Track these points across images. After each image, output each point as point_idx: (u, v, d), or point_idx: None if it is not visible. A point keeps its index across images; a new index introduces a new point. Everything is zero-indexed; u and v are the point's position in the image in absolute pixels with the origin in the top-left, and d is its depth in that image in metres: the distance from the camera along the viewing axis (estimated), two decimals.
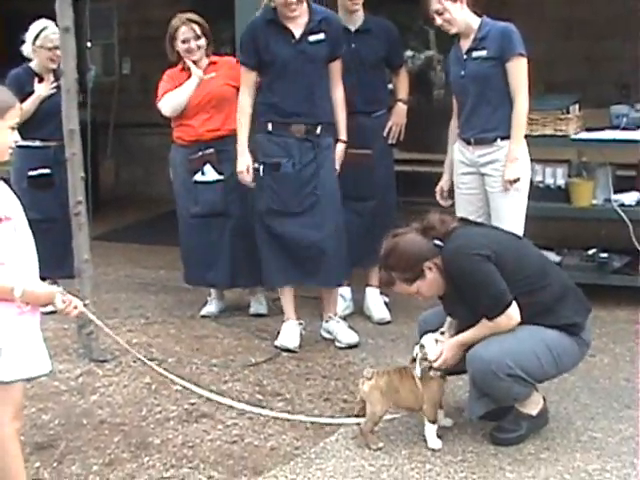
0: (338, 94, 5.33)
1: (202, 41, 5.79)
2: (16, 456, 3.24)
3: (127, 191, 10.91)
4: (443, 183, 5.31)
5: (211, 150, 5.76)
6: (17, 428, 3.25)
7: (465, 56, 4.99)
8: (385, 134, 5.79)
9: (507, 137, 4.90)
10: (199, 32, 5.78)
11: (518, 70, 4.89)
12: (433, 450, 3.89)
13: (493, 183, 4.96)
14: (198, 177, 5.80)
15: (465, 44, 5.00)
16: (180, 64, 5.88)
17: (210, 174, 5.78)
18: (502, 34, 4.90)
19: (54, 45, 6.02)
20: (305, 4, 5.17)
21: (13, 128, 3.23)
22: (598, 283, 5.68)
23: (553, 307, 3.87)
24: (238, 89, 5.54)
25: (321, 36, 5.21)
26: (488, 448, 3.92)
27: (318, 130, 5.22)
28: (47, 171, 6.16)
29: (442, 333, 4.01)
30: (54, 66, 6.12)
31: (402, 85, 5.92)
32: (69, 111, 4.93)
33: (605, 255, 5.99)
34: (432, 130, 6.09)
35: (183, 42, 5.78)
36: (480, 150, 4.98)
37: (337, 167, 5.33)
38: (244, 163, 5.25)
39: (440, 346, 3.95)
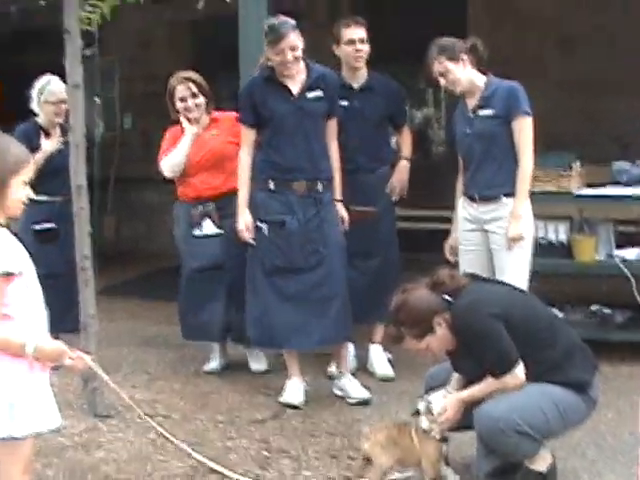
0: (333, 153, 5.36)
1: (200, 99, 5.81)
2: None
3: (128, 246, 10.93)
4: (451, 240, 5.34)
5: (211, 206, 5.80)
6: None
7: (471, 114, 5.05)
8: (388, 191, 5.83)
9: (511, 194, 4.95)
10: (196, 90, 5.80)
11: (524, 129, 4.95)
12: None
13: (497, 240, 4.99)
14: (197, 232, 5.84)
15: (471, 102, 5.07)
16: (181, 122, 5.91)
17: (209, 228, 5.82)
18: (508, 93, 4.97)
19: (58, 99, 6.12)
20: (302, 62, 5.23)
21: (26, 183, 3.27)
22: (602, 339, 5.69)
23: (561, 364, 3.88)
24: (239, 147, 5.54)
25: (319, 93, 5.26)
26: None
27: (319, 186, 5.25)
28: (52, 225, 6.21)
29: (447, 391, 4.02)
30: (60, 120, 6.21)
31: (405, 143, 5.98)
32: (77, 166, 4.98)
33: (608, 310, 6.05)
34: (430, 187, 6.14)
35: (181, 100, 5.81)
36: (484, 207, 5.02)
37: (344, 224, 5.37)
38: (244, 221, 5.27)
39: (444, 402, 3.96)
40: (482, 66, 5.10)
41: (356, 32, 5.60)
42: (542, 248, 6.02)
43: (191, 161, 5.81)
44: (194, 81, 5.82)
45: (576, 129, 8.59)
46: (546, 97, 8.60)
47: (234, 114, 5.78)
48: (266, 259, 5.27)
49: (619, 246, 5.99)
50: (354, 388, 5.36)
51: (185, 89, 5.80)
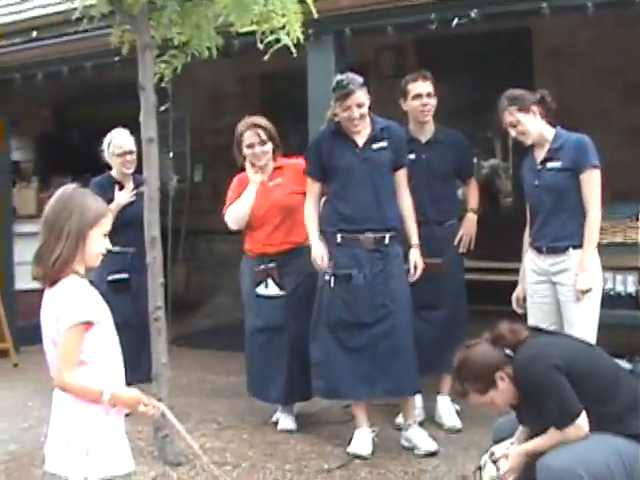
0: (406, 202, 5.42)
1: (268, 146, 5.73)
2: None
3: (197, 296, 11.07)
4: (519, 291, 5.35)
5: (273, 264, 5.75)
6: None
7: (540, 166, 5.10)
8: (456, 243, 5.87)
9: (579, 246, 4.97)
10: (264, 137, 5.71)
11: (592, 182, 4.98)
12: None
13: (565, 292, 5.00)
14: (260, 290, 5.80)
15: (540, 154, 5.12)
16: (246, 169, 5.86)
17: (271, 288, 5.77)
18: (576, 146, 5.02)
19: (124, 151, 6.31)
20: (368, 118, 5.33)
21: (105, 235, 3.41)
22: None
23: (624, 417, 3.85)
24: (304, 195, 5.56)
25: (384, 144, 5.35)
26: None
27: (387, 240, 5.29)
28: (125, 276, 6.34)
29: (512, 444, 4.03)
30: (129, 171, 6.39)
31: (472, 195, 6.04)
32: (151, 218, 5.11)
33: None
34: (497, 239, 6.17)
35: (248, 147, 5.73)
36: (552, 259, 5.04)
37: (417, 273, 5.37)
38: (318, 251, 5.29)
39: (506, 453, 3.98)
40: (550, 118, 5.15)
41: (423, 86, 5.68)
42: (610, 299, 6.01)
43: (255, 214, 5.76)
44: (263, 127, 5.73)
45: None
46: (611, 147, 8.63)
47: (300, 161, 5.73)
48: (331, 312, 5.33)
49: None
50: (421, 439, 5.37)
51: (254, 135, 5.71)
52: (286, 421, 5.92)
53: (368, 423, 5.44)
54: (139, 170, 6.37)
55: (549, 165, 5.07)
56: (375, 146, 5.34)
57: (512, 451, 3.97)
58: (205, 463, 4.51)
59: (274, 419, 6.02)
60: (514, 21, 7.23)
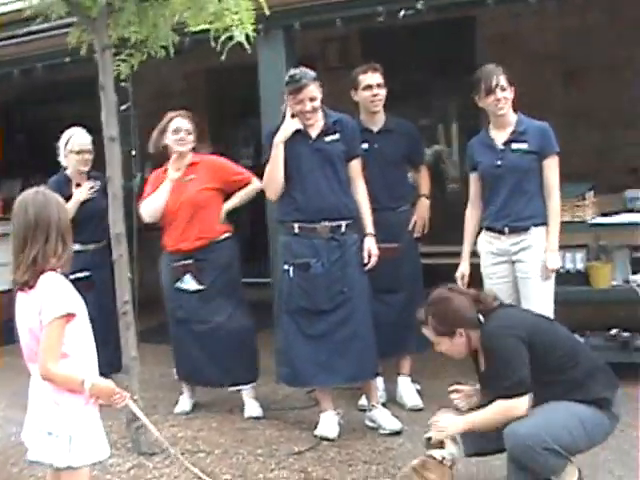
0: (361, 191, 5.54)
1: (191, 137, 5.98)
2: None
3: (151, 293, 11.07)
4: (464, 269, 5.51)
5: (190, 261, 5.96)
6: None
7: (503, 147, 5.30)
8: (410, 228, 6.04)
9: (540, 224, 5.22)
10: (191, 127, 5.98)
11: (554, 167, 5.28)
12: None
13: (525, 269, 5.22)
14: (180, 285, 6.03)
15: (501, 135, 5.34)
16: (164, 165, 6.07)
17: (190, 284, 5.99)
18: (542, 132, 5.29)
19: (81, 149, 6.39)
20: (320, 111, 5.45)
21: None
22: (621, 362, 5.83)
23: (584, 383, 4.09)
24: (217, 191, 5.95)
25: (336, 136, 5.47)
26: None
27: (343, 228, 5.42)
28: (87, 274, 6.37)
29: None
30: (85, 169, 6.46)
31: (424, 181, 6.22)
32: (115, 215, 5.19)
33: (627, 334, 6.18)
34: (445, 223, 6.32)
35: (175, 132, 5.96)
36: (513, 238, 5.25)
37: (372, 260, 5.48)
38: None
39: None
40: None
41: (373, 78, 5.83)
42: (560, 277, 6.19)
43: (169, 209, 5.96)
44: (190, 118, 6.02)
45: (586, 161, 8.80)
46: (555, 130, 8.86)
47: (214, 157, 6.08)
48: (291, 301, 5.47)
49: (635, 271, 6.14)
50: (386, 419, 5.54)
51: (183, 121, 5.97)
52: (252, 408, 6.09)
53: (333, 406, 5.60)
54: (94, 168, 6.50)
55: (514, 146, 5.28)
56: (327, 138, 5.46)
57: (456, 418, 4.23)
58: (175, 454, 4.65)
59: (176, 411, 6.15)
60: (459, 11, 7.40)
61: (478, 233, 5.53)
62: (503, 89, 5.27)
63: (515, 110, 5.38)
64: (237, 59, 5.00)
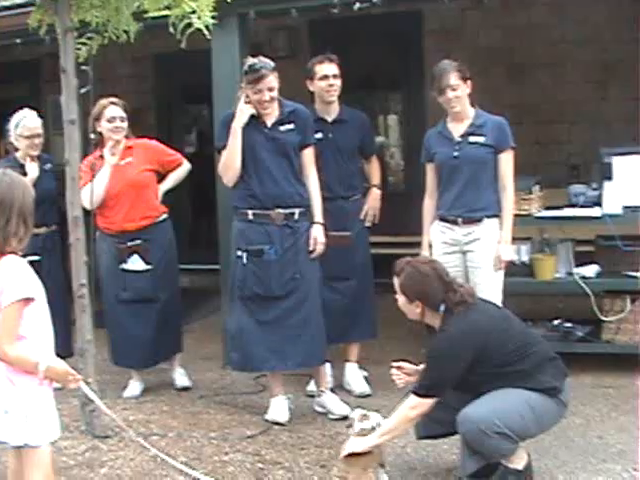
0: (312, 180, 5.60)
1: (125, 124, 6.11)
2: None
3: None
4: None
5: (138, 241, 6.10)
6: None
7: (460, 139, 5.42)
8: (362, 217, 6.13)
9: (492, 216, 5.35)
10: (124, 114, 6.12)
11: (510, 161, 5.45)
12: None
13: (476, 259, 5.36)
14: (126, 265, 6.11)
15: (458, 127, 5.47)
16: (98, 150, 6.15)
17: (138, 264, 6.12)
18: (499, 126, 5.44)
19: (32, 133, 6.34)
20: (276, 101, 5.51)
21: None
22: (564, 351, 5.98)
23: (533, 373, 4.23)
24: (155, 172, 6.19)
25: (291, 126, 5.53)
26: None
27: (296, 215, 5.49)
28: (36, 258, 6.32)
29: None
30: (35, 153, 6.41)
31: (375, 171, 6.31)
32: (73, 198, 5.20)
33: (569, 325, 6.37)
34: (389, 214, 6.42)
35: (109, 120, 6.07)
36: (466, 229, 5.38)
37: (318, 249, 5.54)
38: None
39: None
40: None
41: (329, 68, 5.90)
42: (505, 268, 6.37)
43: (110, 193, 6.05)
44: (122, 106, 6.15)
45: (530, 155, 8.98)
46: None
47: (147, 141, 6.26)
48: (245, 287, 5.51)
49: (578, 264, 6.32)
50: (335, 404, 5.64)
51: (116, 110, 6.09)
52: (183, 379, 6.38)
53: (283, 391, 5.68)
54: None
55: (472, 139, 5.41)
56: (282, 128, 5.52)
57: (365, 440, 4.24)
58: (131, 435, 4.70)
59: (125, 395, 6.24)
60: (408, 4, 7.51)
61: None
62: (453, 89, 5.37)
63: (473, 104, 5.49)
64: (186, 44, 5.02)
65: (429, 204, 5.66)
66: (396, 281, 4.37)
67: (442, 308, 4.25)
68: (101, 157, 6.11)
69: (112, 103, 6.10)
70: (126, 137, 6.19)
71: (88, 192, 5.92)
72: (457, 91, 5.37)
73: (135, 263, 6.13)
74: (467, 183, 5.41)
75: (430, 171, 5.66)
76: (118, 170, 6.07)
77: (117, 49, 5.50)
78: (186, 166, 6.42)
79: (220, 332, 6.60)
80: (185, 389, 6.31)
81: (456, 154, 5.44)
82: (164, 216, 6.29)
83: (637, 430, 4.99)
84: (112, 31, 5.07)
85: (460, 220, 5.42)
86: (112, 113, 6.07)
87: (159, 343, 6.22)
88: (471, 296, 4.34)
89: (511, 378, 4.18)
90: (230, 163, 5.47)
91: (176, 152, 6.53)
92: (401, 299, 4.35)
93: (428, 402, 4.15)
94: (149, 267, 6.14)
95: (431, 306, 4.28)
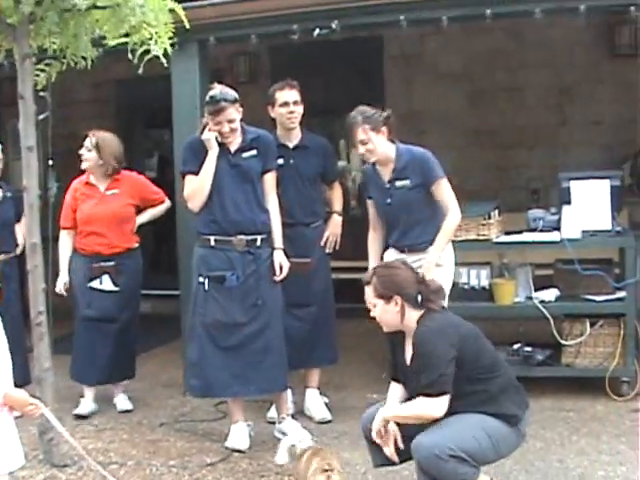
0: (272, 205, 5.59)
1: (91, 154, 6.29)
2: None
3: (58, 303, 10.93)
4: None
5: (112, 263, 6.32)
6: None
7: (388, 185, 5.43)
8: (322, 244, 6.12)
9: None
10: (90, 146, 6.29)
11: (443, 190, 5.34)
12: None
13: None
14: (95, 284, 6.31)
15: (386, 172, 5.44)
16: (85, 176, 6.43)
17: (106, 284, 6.33)
18: (421, 163, 5.35)
19: None
20: (239, 129, 5.49)
21: None
22: (523, 375, 6.00)
23: (498, 397, 4.19)
24: (135, 206, 6.45)
25: (254, 152, 5.52)
26: None
27: (258, 242, 5.48)
28: None
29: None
30: None
31: (337, 198, 6.31)
32: (32, 225, 5.14)
33: (529, 349, 6.36)
34: (348, 239, 6.43)
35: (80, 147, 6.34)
36: (413, 256, 5.35)
37: (282, 273, 5.54)
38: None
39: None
40: (392, 136, 5.43)
41: (290, 95, 5.90)
42: (465, 293, 6.41)
43: (91, 218, 6.31)
44: (91, 137, 6.32)
45: (488, 180, 9.06)
46: (458, 148, 9.11)
47: (135, 175, 6.51)
48: (207, 313, 5.48)
49: (537, 288, 6.33)
50: (295, 431, 5.61)
51: (87, 140, 6.33)
52: (125, 403, 6.55)
53: (243, 418, 5.65)
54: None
55: (398, 184, 5.39)
56: (245, 154, 5.51)
57: (378, 414, 4.27)
58: (91, 464, 4.65)
59: (76, 412, 6.33)
60: (369, 30, 7.56)
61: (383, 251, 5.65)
62: (364, 143, 5.34)
63: (393, 140, 5.43)
64: (147, 70, 5.03)
65: (373, 237, 5.66)
66: (368, 291, 4.31)
67: (419, 299, 4.22)
68: (87, 183, 6.38)
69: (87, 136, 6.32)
70: (117, 171, 6.39)
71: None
72: (368, 144, 5.31)
73: (104, 283, 6.32)
74: (409, 222, 5.40)
75: (371, 207, 5.65)
76: (104, 199, 6.35)
77: (77, 74, 5.47)
78: (166, 204, 6.66)
79: (181, 358, 6.56)
80: (127, 412, 6.43)
81: (389, 201, 5.44)
82: (136, 245, 6.52)
83: (597, 454, 5.05)
84: (71, 57, 5.05)
85: (406, 249, 5.43)
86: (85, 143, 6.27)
87: (114, 364, 6.39)
88: (441, 289, 4.37)
89: (475, 399, 4.14)
90: (201, 188, 5.45)
91: (160, 191, 6.68)
92: (378, 305, 4.26)
93: (441, 402, 4.07)
94: (116, 289, 6.33)
95: (409, 299, 4.20)
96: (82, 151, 6.31)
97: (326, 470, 4.21)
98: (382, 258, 5.58)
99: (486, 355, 4.27)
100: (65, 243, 6.33)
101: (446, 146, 8.98)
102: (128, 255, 6.38)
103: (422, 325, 4.21)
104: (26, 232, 5.20)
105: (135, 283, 6.49)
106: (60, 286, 6.21)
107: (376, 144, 5.32)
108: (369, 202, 5.68)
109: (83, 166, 6.33)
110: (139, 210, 6.56)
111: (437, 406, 4.08)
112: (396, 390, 4.46)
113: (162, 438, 5.78)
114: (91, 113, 10.56)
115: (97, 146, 6.27)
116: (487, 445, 4.13)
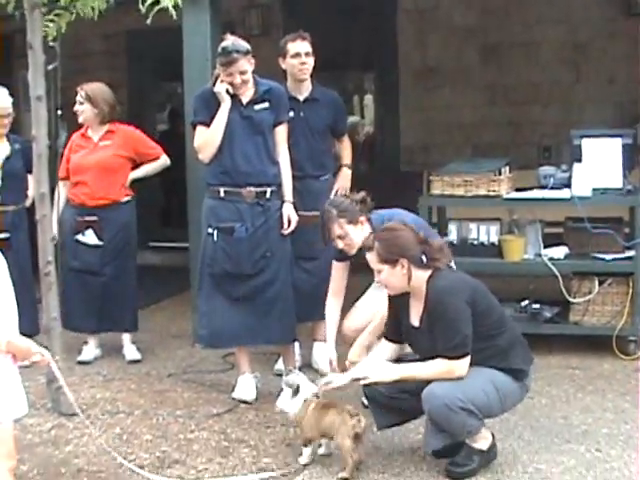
0: (283, 158, 5.58)
1: (84, 106, 6.33)
2: None
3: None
4: (332, 355, 5.37)
5: (94, 217, 6.34)
6: (11, 467, 3.51)
7: None
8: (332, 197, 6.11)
9: None
10: (82, 99, 6.33)
11: None
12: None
13: None
14: (80, 237, 6.39)
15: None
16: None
17: (90, 238, 6.36)
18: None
19: (2, 113, 6.32)
20: (251, 80, 5.47)
21: None
22: (531, 332, 6.01)
23: (507, 352, 4.26)
24: (127, 159, 6.41)
25: (266, 105, 5.51)
26: None
27: (268, 194, 5.48)
28: (5, 235, 6.36)
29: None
30: (4, 132, 6.40)
31: (346, 151, 6.30)
32: (40, 175, 5.16)
33: (537, 306, 6.36)
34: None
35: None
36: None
37: (291, 226, 5.55)
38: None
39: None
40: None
41: (301, 46, 5.88)
42: (474, 248, 6.41)
43: (81, 167, 6.37)
44: (84, 90, 6.36)
45: (501, 136, 9.01)
46: (472, 104, 9.05)
47: (131, 128, 6.49)
48: (215, 265, 5.50)
49: (546, 246, 6.33)
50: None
51: (81, 93, 6.36)
52: (133, 352, 6.58)
53: (250, 369, 5.68)
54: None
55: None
56: (257, 107, 5.49)
57: (388, 366, 4.32)
58: (100, 412, 4.69)
59: (79, 359, 6.47)
60: None
61: None
62: (341, 237, 5.06)
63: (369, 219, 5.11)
64: (158, 21, 5.00)
65: (333, 303, 5.35)
66: (371, 256, 4.31)
67: (424, 260, 4.22)
68: (83, 135, 6.42)
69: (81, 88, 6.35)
70: (111, 122, 6.41)
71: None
72: (345, 239, 5.04)
73: (88, 237, 6.37)
74: None
75: (335, 271, 5.37)
76: (94, 149, 6.38)
77: (88, 25, 5.45)
78: (163, 161, 6.62)
79: (190, 310, 6.59)
80: (135, 362, 6.47)
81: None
82: (126, 199, 6.48)
83: (602, 411, 5.07)
84: (80, 8, 5.02)
85: None
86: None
87: (105, 315, 6.45)
88: (445, 247, 4.38)
89: (487, 354, 4.20)
90: (212, 140, 5.44)
91: (158, 146, 6.66)
92: (384, 270, 4.27)
93: (463, 363, 4.13)
94: (100, 243, 6.36)
95: (415, 260, 4.21)
96: (76, 107, 6.34)
97: (353, 415, 4.31)
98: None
99: (495, 311, 4.30)
100: (59, 194, 6.29)
101: (460, 102, 8.96)
102: (115, 208, 6.36)
103: (435, 285, 4.22)
104: (35, 182, 5.21)
105: (123, 237, 6.45)
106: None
107: (354, 237, 4.99)
108: (337, 265, 5.34)
109: (80, 120, 6.39)
110: (137, 166, 6.55)
111: (461, 367, 4.15)
112: (386, 349, 4.53)
113: (169, 388, 5.82)
114: (103, 65, 10.51)
115: (88, 97, 6.31)
116: (494, 399, 4.22)
